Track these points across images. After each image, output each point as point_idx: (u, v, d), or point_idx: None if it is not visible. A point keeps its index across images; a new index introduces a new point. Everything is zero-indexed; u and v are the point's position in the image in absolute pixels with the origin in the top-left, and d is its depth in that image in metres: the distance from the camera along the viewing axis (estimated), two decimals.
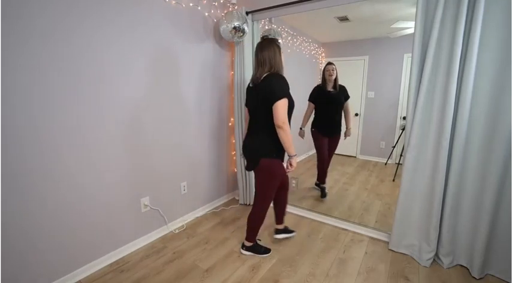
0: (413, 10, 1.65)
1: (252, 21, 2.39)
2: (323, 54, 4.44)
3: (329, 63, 2.83)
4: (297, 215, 2.48)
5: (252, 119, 1.71)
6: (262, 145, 1.62)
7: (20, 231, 1.37)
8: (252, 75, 1.68)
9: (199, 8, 2.17)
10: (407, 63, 3.77)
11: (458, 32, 1.48)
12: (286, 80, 1.56)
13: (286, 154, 1.69)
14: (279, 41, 1.55)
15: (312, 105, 2.84)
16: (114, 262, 1.79)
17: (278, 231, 2.07)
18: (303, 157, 3.10)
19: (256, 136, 1.65)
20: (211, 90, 2.42)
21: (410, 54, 1.70)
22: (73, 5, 1.43)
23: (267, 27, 2.74)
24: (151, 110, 1.92)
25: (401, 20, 2.82)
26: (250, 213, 1.82)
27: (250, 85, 1.71)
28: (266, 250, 1.90)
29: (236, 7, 2.41)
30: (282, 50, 1.62)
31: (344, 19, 3.07)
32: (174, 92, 2.08)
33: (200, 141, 2.39)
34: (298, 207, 2.56)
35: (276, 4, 2.19)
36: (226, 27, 2.17)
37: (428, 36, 1.61)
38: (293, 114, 1.68)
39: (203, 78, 2.32)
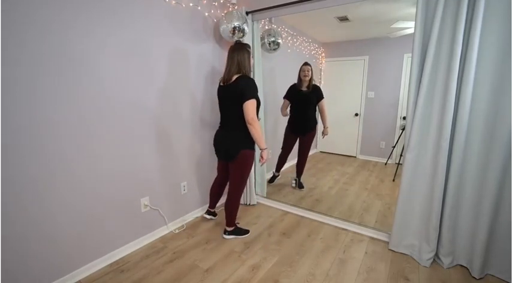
0: (413, 10, 1.66)
1: (252, 21, 2.39)
2: (323, 54, 4.44)
3: (305, 64, 2.83)
4: (297, 215, 2.48)
5: (224, 116, 1.88)
6: (240, 138, 1.80)
7: (20, 231, 1.37)
8: (223, 76, 1.82)
9: (199, 8, 2.17)
10: (407, 63, 3.78)
11: (458, 31, 1.48)
12: (255, 82, 1.74)
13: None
14: (250, 47, 1.78)
15: (287, 102, 3.00)
16: (114, 262, 1.79)
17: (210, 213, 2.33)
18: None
19: (232, 131, 1.83)
20: (211, 90, 2.42)
21: (410, 54, 1.71)
22: (71, 2, 1.43)
23: (267, 27, 2.75)
24: (150, 110, 1.92)
25: (401, 20, 2.82)
26: (228, 201, 2.01)
27: (221, 84, 1.85)
28: (246, 231, 2.14)
29: (236, 7, 2.41)
30: (252, 55, 1.80)
31: (344, 19, 3.07)
32: (174, 92, 2.08)
33: (200, 141, 2.39)
34: (298, 207, 2.56)
35: (276, 4, 2.19)
36: (226, 27, 2.17)
37: (428, 36, 1.61)
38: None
39: (203, 78, 2.32)
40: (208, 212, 2.33)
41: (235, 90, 1.69)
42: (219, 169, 2.15)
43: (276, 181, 3.29)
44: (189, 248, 1.96)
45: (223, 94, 1.81)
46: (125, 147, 1.78)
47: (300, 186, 3.10)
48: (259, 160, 1.88)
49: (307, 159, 3.04)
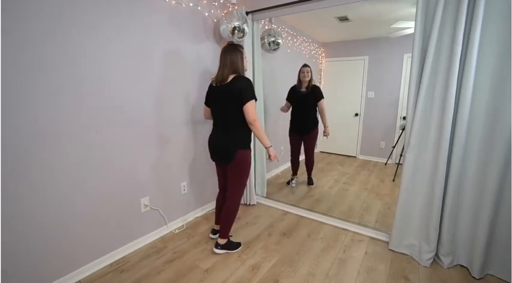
0: (413, 10, 1.66)
1: (252, 21, 2.39)
2: (323, 54, 4.44)
3: (304, 66, 2.90)
4: (297, 215, 2.48)
5: (219, 117, 1.79)
6: (237, 139, 1.76)
7: (20, 231, 1.37)
8: (216, 76, 1.77)
9: (199, 8, 2.17)
10: (407, 63, 3.77)
11: (458, 31, 1.48)
12: (251, 82, 1.72)
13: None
14: (243, 48, 1.77)
15: (288, 103, 3.07)
16: (114, 262, 1.79)
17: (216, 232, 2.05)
18: (302, 158, 3.13)
19: (229, 132, 1.76)
20: None
21: (410, 54, 1.71)
22: (72, 3, 1.43)
23: (267, 27, 2.75)
24: (150, 110, 1.92)
25: (401, 20, 2.82)
26: (226, 208, 1.85)
27: (214, 84, 1.79)
28: (238, 245, 1.97)
29: (236, 7, 2.40)
30: (244, 55, 1.79)
31: (344, 19, 3.07)
32: (174, 93, 2.08)
33: (200, 141, 2.39)
34: (298, 207, 2.56)
35: (276, 4, 2.19)
36: (226, 27, 2.17)
37: (428, 36, 1.61)
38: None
39: (203, 79, 2.32)
40: (214, 232, 2.08)
41: (232, 91, 1.66)
42: (219, 176, 1.99)
43: (277, 180, 3.30)
44: (189, 248, 1.96)
45: (218, 95, 1.75)
46: (124, 147, 1.78)
47: (310, 182, 3.19)
48: (268, 158, 1.81)
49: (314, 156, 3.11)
